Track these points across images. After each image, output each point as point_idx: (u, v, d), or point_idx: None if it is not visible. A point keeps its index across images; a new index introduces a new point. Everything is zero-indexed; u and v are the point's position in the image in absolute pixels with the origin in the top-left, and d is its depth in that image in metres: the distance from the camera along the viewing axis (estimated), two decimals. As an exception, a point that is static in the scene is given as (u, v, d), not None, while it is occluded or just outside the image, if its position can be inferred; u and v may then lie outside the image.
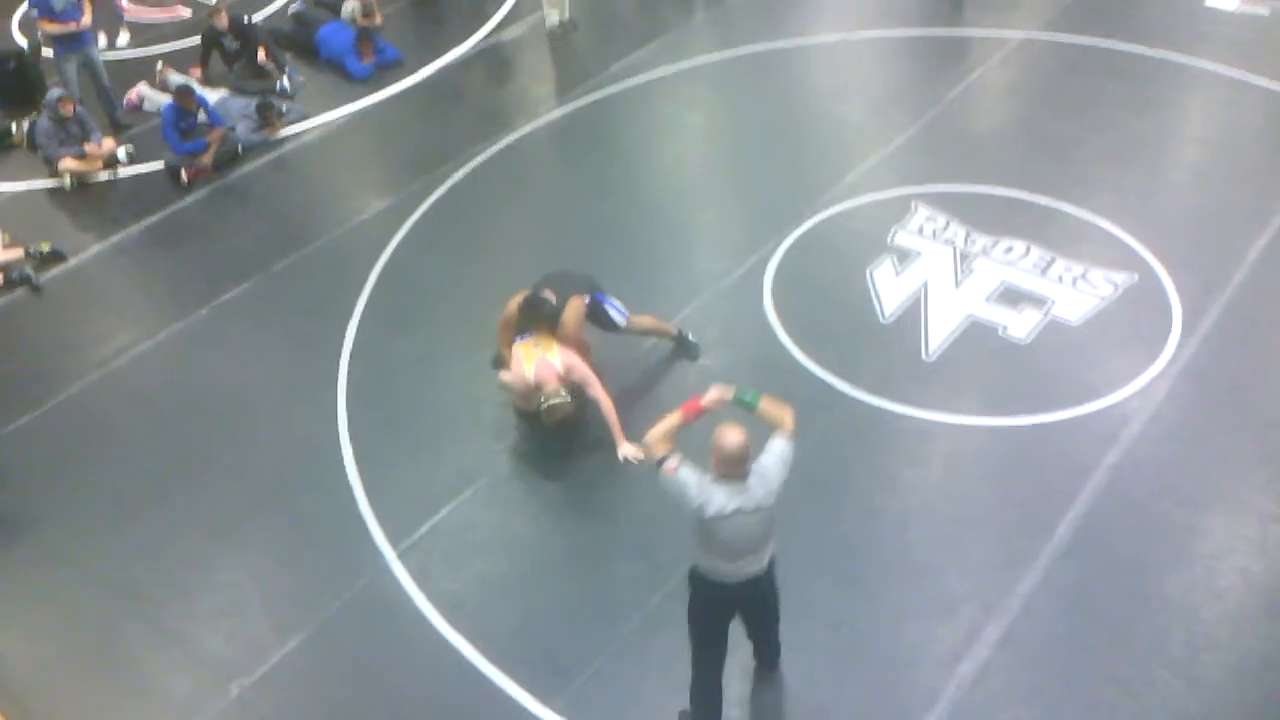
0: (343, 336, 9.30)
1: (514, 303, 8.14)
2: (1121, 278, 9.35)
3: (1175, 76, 12.16)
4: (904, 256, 9.70)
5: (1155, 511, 7.50)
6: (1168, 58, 12.38)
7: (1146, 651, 6.68)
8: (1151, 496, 7.59)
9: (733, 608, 6.13)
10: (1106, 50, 12.60)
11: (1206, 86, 12.03)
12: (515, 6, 14.41)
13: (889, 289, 9.38)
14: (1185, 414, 8.18)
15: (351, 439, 8.38)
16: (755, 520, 5.65)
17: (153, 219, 10.99)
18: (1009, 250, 9.67)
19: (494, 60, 13.52)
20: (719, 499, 5.56)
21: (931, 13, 13.71)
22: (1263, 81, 11.88)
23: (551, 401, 7.75)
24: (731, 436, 5.52)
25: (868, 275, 9.53)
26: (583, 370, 7.86)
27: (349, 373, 8.97)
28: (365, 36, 13.15)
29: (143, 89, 12.71)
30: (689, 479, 5.60)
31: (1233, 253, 9.53)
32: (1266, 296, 9.11)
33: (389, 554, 7.51)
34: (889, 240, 9.89)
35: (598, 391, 7.89)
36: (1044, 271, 9.45)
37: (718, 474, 5.60)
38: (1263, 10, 13.24)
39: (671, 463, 5.64)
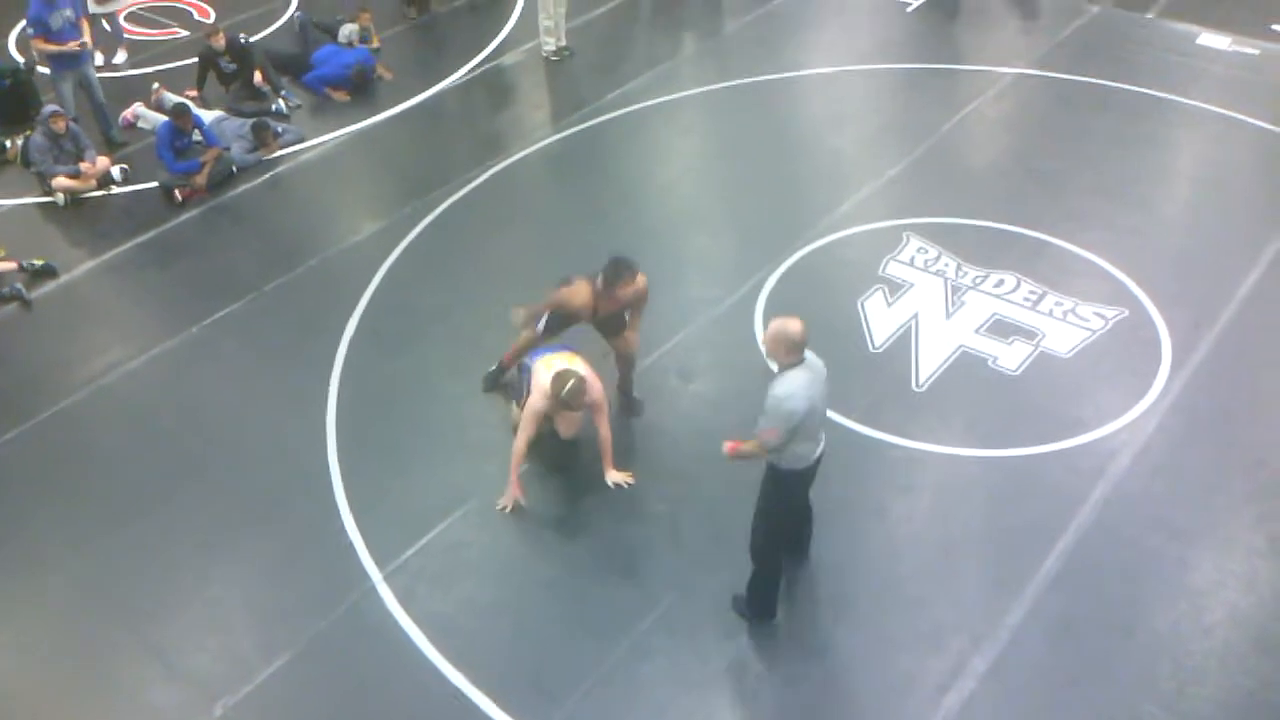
0: (334, 356, 9.30)
1: (583, 288, 8.05)
2: (1111, 312, 9.39)
3: (1167, 113, 12.26)
4: (895, 287, 9.74)
5: (1144, 545, 7.51)
6: (1160, 94, 12.50)
7: (1133, 685, 6.67)
8: (1140, 530, 7.61)
9: (806, 491, 6.79)
10: (1099, 86, 12.72)
11: (1198, 123, 12.13)
12: (512, 33, 14.51)
13: (880, 319, 9.41)
14: (1174, 448, 8.20)
15: (341, 458, 8.36)
16: (823, 391, 6.33)
17: (146, 237, 10.99)
18: (1000, 283, 9.71)
19: (490, 85, 13.58)
20: (804, 381, 6.18)
21: (925, 48, 13.83)
22: (1253, 119, 11.99)
23: (570, 384, 7.55)
24: (794, 323, 6.16)
25: (859, 305, 9.56)
26: (599, 393, 7.83)
27: (340, 392, 8.96)
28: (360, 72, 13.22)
29: (138, 108, 12.74)
30: (788, 405, 6.11)
31: (1222, 289, 9.59)
32: (1256, 332, 9.16)
33: (376, 575, 7.47)
34: (880, 270, 9.92)
35: (603, 418, 7.91)
36: (1035, 305, 9.49)
37: (789, 362, 6.20)
38: (1253, 49, 13.37)
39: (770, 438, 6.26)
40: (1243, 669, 6.75)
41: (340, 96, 13.10)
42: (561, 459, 8.25)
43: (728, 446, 6.56)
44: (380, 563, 7.55)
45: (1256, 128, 11.88)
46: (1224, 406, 8.52)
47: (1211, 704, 6.56)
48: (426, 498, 8.01)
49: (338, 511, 7.95)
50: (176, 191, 11.36)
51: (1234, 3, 14.62)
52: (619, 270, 7.92)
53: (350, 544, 7.71)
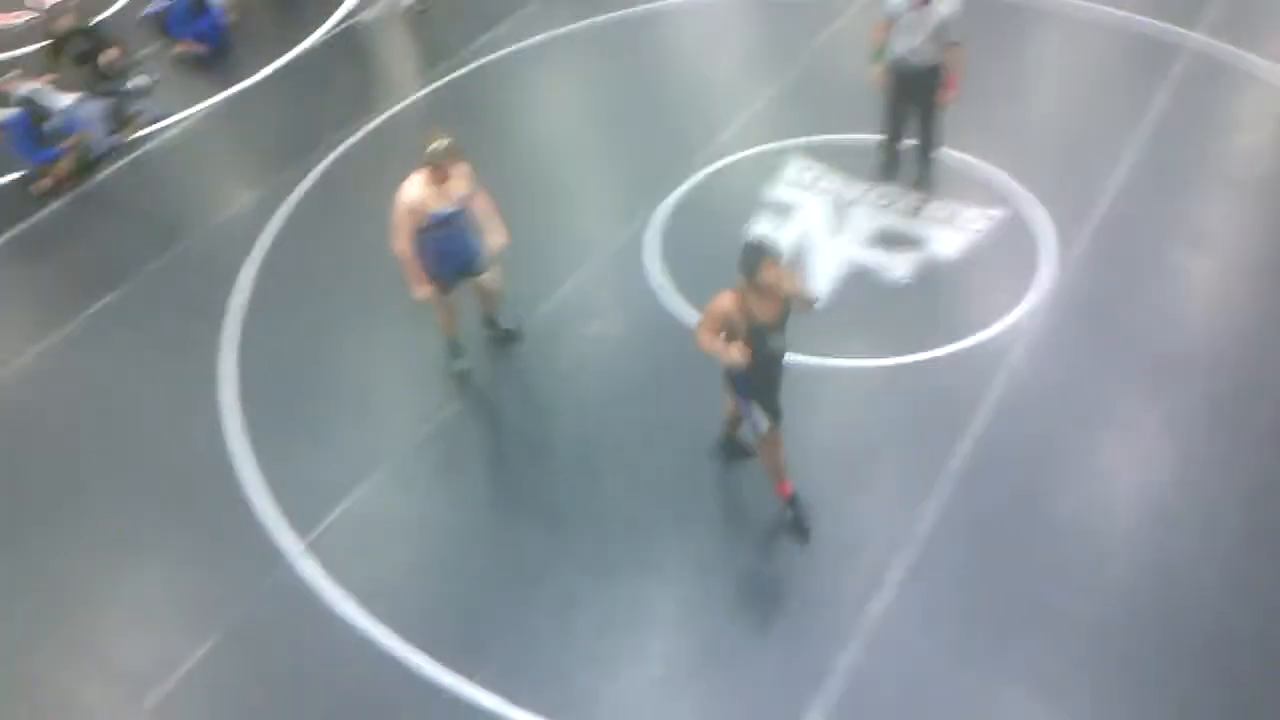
0: (221, 332, 9.10)
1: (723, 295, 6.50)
2: (995, 212, 9.57)
3: (1032, 15, 12.43)
4: (782, 209, 9.80)
5: (1043, 435, 7.71)
6: (1019, -4, 12.69)
7: (1048, 571, 6.88)
8: (1040, 421, 7.80)
9: None
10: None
11: (1061, 23, 12.31)
12: (371, -13, 14.19)
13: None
14: (1066, 338, 8.42)
15: (247, 433, 8.22)
16: None
17: (12, 232, 10.62)
18: (883, 195, 9.83)
19: (353, 43, 13.29)
20: None
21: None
22: (1116, 11, 12.21)
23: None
24: None
25: (749, 230, 9.61)
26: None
27: (239, 366, 8.79)
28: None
29: (-14, 99, 12.23)
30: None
31: (1098, 180, 9.81)
32: (1132, 219, 9.40)
33: (296, 547, 7.39)
34: (766, 194, 9.98)
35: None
36: (918, 212, 9.62)
37: None
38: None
39: None
40: (1149, 541, 6.99)
41: (195, 49, 12.89)
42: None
43: (952, 88, 9.26)
44: (300, 534, 7.47)
45: (1118, 18, 12.10)
46: (1108, 293, 8.75)
47: (1123, 580, 6.80)
48: (342, 462, 7.93)
49: (249, 488, 7.83)
50: (42, 181, 10.95)
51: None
52: (750, 255, 6.42)
53: (267, 519, 7.60)
